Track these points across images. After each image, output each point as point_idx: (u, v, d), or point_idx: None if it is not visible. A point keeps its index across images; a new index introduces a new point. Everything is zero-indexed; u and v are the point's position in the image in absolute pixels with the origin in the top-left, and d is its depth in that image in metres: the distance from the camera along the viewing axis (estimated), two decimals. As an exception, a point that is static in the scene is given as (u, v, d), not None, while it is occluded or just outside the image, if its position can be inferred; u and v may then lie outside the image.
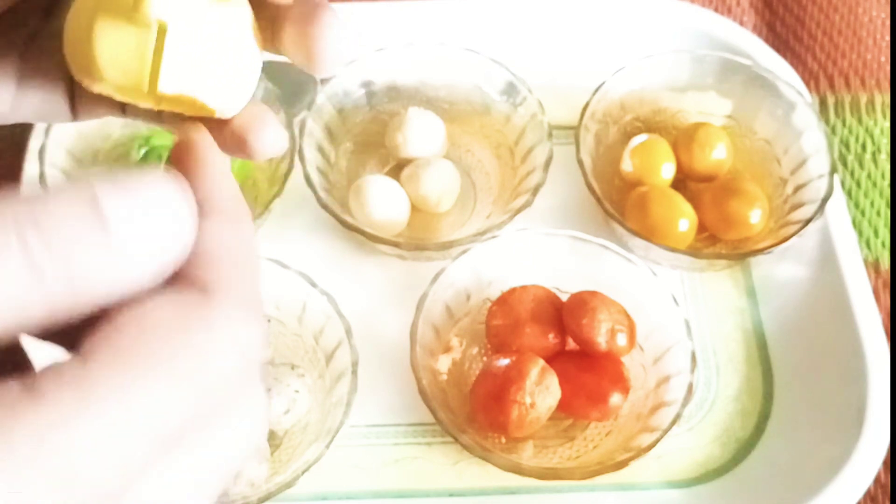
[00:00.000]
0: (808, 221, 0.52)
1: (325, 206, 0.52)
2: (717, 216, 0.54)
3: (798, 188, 0.55)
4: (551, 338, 0.49)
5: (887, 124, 0.60)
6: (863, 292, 0.51)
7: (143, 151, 0.55)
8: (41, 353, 0.21)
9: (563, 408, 0.47)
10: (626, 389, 0.48)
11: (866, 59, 0.63)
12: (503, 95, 0.57)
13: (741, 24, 0.64)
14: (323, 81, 0.56)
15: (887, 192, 0.58)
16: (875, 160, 0.59)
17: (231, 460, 0.22)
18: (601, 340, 0.47)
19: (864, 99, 0.61)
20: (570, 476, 0.45)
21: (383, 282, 0.54)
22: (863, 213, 0.57)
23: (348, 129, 0.58)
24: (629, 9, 0.62)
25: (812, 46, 0.64)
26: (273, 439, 0.48)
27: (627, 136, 0.57)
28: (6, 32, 0.28)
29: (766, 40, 0.63)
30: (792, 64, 0.61)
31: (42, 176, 0.52)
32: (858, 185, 0.58)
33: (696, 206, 0.54)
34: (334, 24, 0.26)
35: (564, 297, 0.50)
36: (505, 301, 0.50)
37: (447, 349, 0.51)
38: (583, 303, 0.49)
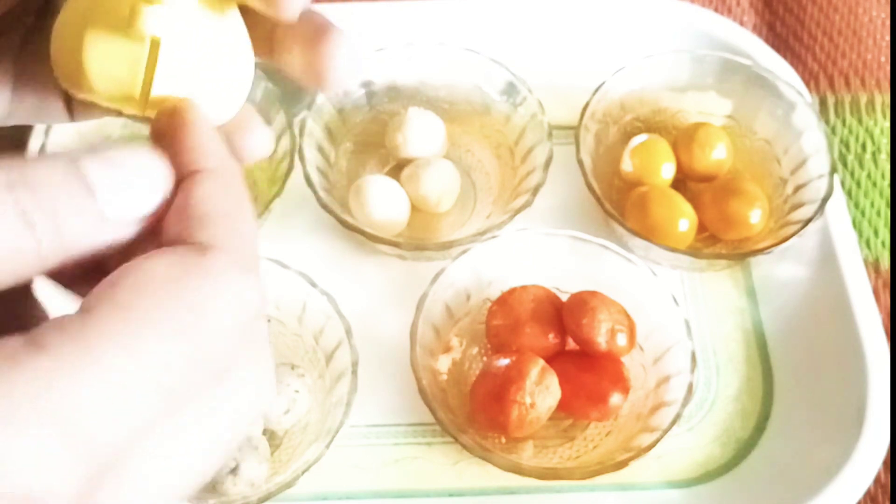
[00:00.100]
0: (808, 221, 0.52)
1: (325, 206, 0.52)
2: (717, 216, 0.54)
3: (798, 188, 0.55)
4: (551, 338, 0.49)
5: (887, 124, 0.60)
6: (863, 292, 0.51)
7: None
8: (52, 304, 0.22)
9: (563, 408, 0.47)
10: (626, 389, 0.48)
11: (866, 59, 0.63)
12: (503, 95, 0.57)
13: (741, 24, 0.64)
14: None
15: (887, 192, 0.58)
16: (875, 160, 0.59)
17: (237, 423, 0.22)
18: (601, 340, 0.47)
19: (864, 99, 0.61)
20: (570, 476, 0.45)
21: (383, 282, 0.54)
22: (863, 213, 0.57)
23: (348, 129, 0.58)
24: (629, 9, 0.62)
25: (812, 46, 0.64)
26: (273, 439, 0.48)
27: (627, 136, 0.57)
28: (1, 34, 0.28)
29: (766, 40, 0.63)
30: (792, 64, 0.61)
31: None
32: (858, 185, 0.58)
33: (696, 206, 0.54)
34: (343, 45, 0.26)
35: (564, 297, 0.50)
36: (505, 301, 0.50)
37: (447, 349, 0.51)
38: (583, 303, 0.49)
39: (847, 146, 0.60)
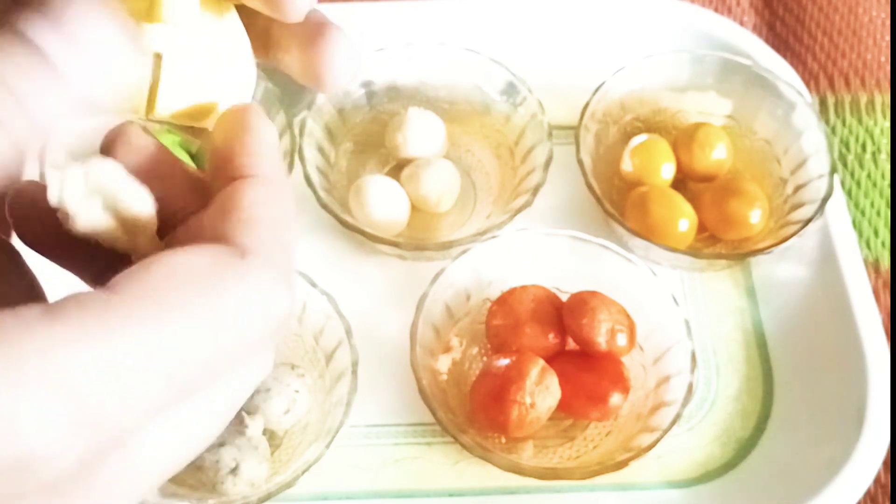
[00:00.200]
0: (808, 221, 0.52)
1: (325, 206, 0.52)
2: (717, 216, 0.54)
3: (798, 188, 0.55)
4: (551, 338, 0.49)
5: (887, 124, 0.60)
6: (863, 292, 0.51)
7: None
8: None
9: (563, 408, 0.47)
10: (626, 389, 0.48)
11: (866, 59, 0.63)
12: (503, 95, 0.57)
13: (741, 24, 0.64)
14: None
15: (887, 192, 0.58)
16: (875, 160, 0.59)
17: (229, 412, 0.22)
18: (601, 340, 0.47)
19: (864, 99, 0.61)
20: (570, 476, 0.45)
21: (383, 282, 0.54)
22: (863, 213, 0.57)
23: (348, 129, 0.58)
24: (629, 9, 0.62)
25: (812, 46, 0.64)
26: (273, 439, 0.48)
27: (627, 136, 0.57)
28: None
29: (766, 40, 0.63)
30: (792, 64, 0.61)
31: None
32: (858, 185, 0.58)
33: (696, 206, 0.54)
34: (341, 43, 0.26)
35: (564, 297, 0.50)
36: (505, 301, 0.50)
37: (447, 349, 0.51)
38: (583, 303, 0.49)
39: (847, 146, 0.60)
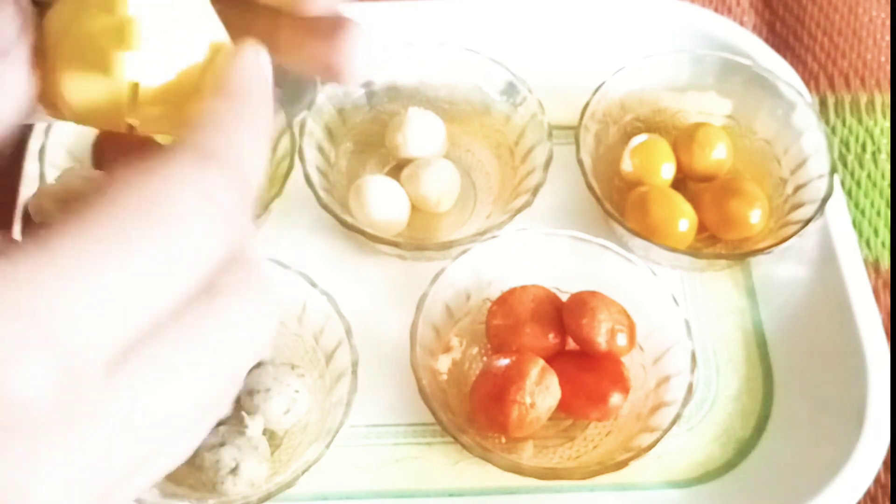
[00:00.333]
0: (808, 221, 0.52)
1: (325, 206, 0.52)
2: (717, 216, 0.54)
3: (798, 188, 0.55)
4: (551, 338, 0.49)
5: (887, 124, 0.60)
6: (863, 292, 0.51)
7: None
8: None
9: (563, 408, 0.47)
10: (626, 389, 0.48)
11: (866, 59, 0.63)
12: (503, 95, 0.57)
13: (741, 24, 0.64)
14: (323, 82, 0.56)
15: (887, 192, 0.58)
16: (875, 160, 0.59)
17: (227, 358, 0.20)
18: (601, 340, 0.47)
19: (864, 99, 0.61)
20: (570, 476, 0.45)
21: (383, 282, 0.54)
22: (863, 213, 0.57)
23: (348, 129, 0.58)
24: (629, 9, 0.62)
25: (812, 46, 0.64)
26: (273, 439, 0.48)
27: (627, 136, 0.57)
28: None
29: (766, 40, 0.63)
30: (792, 64, 0.61)
31: (42, 176, 0.52)
32: (858, 185, 0.58)
33: (696, 206, 0.54)
34: (361, 37, 0.26)
35: (564, 297, 0.50)
36: (505, 301, 0.50)
37: (447, 349, 0.51)
38: (583, 303, 0.49)
39: (847, 146, 0.59)
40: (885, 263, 0.55)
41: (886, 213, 0.57)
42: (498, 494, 0.47)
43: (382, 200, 0.53)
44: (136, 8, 0.22)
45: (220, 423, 0.46)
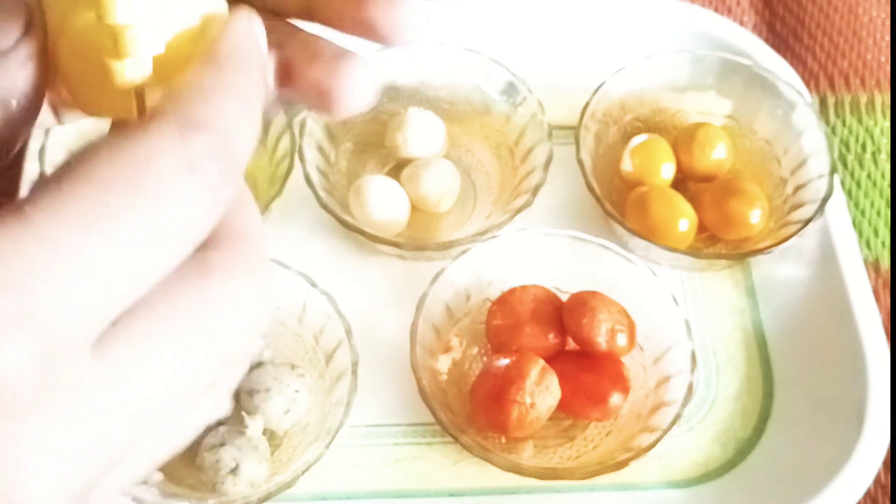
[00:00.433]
0: (808, 221, 0.52)
1: (325, 206, 0.52)
2: (717, 216, 0.54)
3: (798, 188, 0.55)
4: (551, 338, 0.49)
5: (887, 124, 0.60)
6: (863, 292, 0.51)
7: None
8: None
9: (563, 408, 0.47)
10: (626, 389, 0.48)
11: (866, 59, 0.63)
12: (503, 95, 0.57)
13: (741, 24, 0.64)
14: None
15: (887, 192, 0.58)
16: (875, 160, 0.59)
17: (227, 332, 0.20)
18: (601, 340, 0.47)
19: (864, 99, 0.61)
20: (570, 476, 0.45)
21: (383, 282, 0.54)
22: (863, 213, 0.57)
23: (348, 129, 0.58)
24: (629, 9, 0.62)
25: (812, 46, 0.64)
26: (273, 439, 0.48)
27: (627, 136, 0.57)
28: None
29: (766, 40, 0.63)
30: (792, 64, 0.61)
31: (42, 176, 0.52)
32: (858, 185, 0.58)
33: (696, 206, 0.54)
34: (363, 68, 0.26)
35: (564, 297, 0.50)
36: (505, 301, 0.50)
37: (447, 349, 0.51)
38: (583, 303, 0.49)
39: (847, 146, 0.60)
40: (885, 263, 0.55)
41: (886, 213, 0.57)
42: (498, 494, 0.47)
43: (382, 200, 0.53)
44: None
45: (220, 423, 0.46)
